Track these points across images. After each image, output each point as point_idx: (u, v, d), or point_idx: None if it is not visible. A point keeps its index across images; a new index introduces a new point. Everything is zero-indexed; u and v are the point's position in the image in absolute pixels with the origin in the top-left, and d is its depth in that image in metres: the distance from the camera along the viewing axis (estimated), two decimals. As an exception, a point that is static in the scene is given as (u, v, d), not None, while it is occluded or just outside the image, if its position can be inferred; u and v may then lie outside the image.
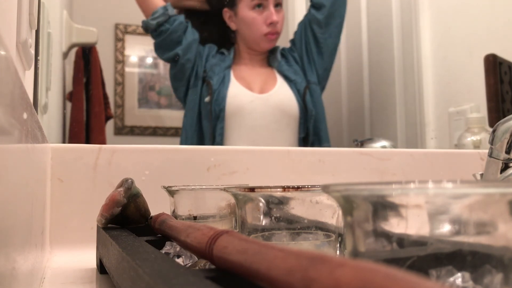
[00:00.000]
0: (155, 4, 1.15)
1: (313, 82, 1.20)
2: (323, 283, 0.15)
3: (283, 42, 1.27)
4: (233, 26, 1.22)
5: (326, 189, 0.21)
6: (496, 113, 1.05)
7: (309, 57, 1.22)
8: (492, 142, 0.52)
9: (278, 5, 1.18)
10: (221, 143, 1.09)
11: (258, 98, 1.15)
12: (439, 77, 1.32)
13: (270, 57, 1.21)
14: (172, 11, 1.15)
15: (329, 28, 1.23)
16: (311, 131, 1.15)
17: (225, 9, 1.22)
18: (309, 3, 1.25)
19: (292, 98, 1.16)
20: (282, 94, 1.16)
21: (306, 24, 1.22)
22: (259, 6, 1.16)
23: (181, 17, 1.16)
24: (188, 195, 0.47)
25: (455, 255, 0.17)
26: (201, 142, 1.12)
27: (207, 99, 1.12)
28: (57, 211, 0.66)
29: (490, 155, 0.52)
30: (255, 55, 1.20)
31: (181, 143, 1.17)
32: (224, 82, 1.13)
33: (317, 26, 1.21)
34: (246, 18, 1.17)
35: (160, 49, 1.17)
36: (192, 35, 1.16)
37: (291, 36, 1.33)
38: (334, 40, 1.25)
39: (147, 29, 1.16)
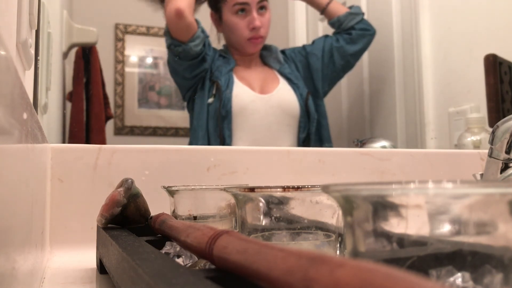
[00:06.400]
0: (195, 26, 1.10)
1: (316, 94, 1.22)
2: (323, 283, 0.15)
3: (282, 41, 1.27)
4: (219, 29, 1.22)
5: (326, 189, 0.21)
6: (496, 113, 1.04)
7: (322, 74, 1.24)
8: (492, 142, 0.52)
9: (262, 8, 1.18)
10: (230, 144, 1.09)
11: (260, 98, 1.15)
12: (439, 77, 1.32)
13: (265, 56, 1.21)
14: (205, 31, 1.13)
15: (348, 64, 1.28)
16: (312, 134, 1.16)
17: (211, 12, 1.22)
18: (340, 31, 1.28)
19: (294, 99, 1.16)
20: (284, 94, 1.17)
21: (334, 48, 1.25)
22: (242, 11, 1.16)
23: (205, 32, 1.14)
24: (188, 195, 0.47)
25: (455, 255, 0.17)
26: (210, 143, 1.12)
27: (210, 100, 1.12)
28: (57, 211, 0.66)
29: (490, 155, 0.52)
30: (245, 56, 1.20)
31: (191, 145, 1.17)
32: (229, 83, 1.13)
33: (341, 56, 1.24)
34: (229, 23, 1.17)
35: (189, 69, 1.14)
36: (210, 48, 1.16)
37: (290, 36, 1.33)
38: (342, 75, 1.30)
39: (184, 53, 1.11)
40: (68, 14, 1.32)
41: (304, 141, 1.15)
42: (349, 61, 1.28)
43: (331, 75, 1.25)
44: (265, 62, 1.22)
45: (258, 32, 1.16)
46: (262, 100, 1.15)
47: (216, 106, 1.11)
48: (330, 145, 1.21)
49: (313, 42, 1.30)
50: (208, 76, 1.15)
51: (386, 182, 0.18)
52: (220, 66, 1.16)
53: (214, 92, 1.12)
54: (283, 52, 1.25)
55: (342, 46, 1.25)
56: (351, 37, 1.25)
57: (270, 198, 0.32)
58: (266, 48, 1.22)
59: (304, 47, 1.28)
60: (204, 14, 1.25)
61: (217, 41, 1.26)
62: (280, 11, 1.28)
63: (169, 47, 1.13)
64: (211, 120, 1.11)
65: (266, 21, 1.18)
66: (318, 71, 1.23)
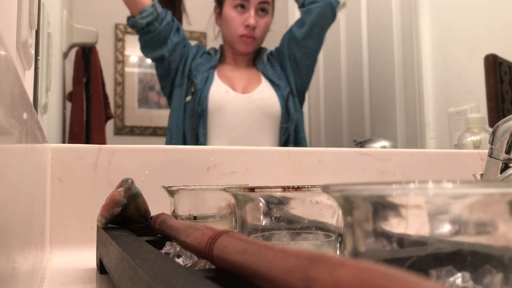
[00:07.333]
0: (143, 2, 1.13)
1: (294, 92, 1.20)
2: (323, 283, 0.15)
3: (276, 44, 1.26)
4: (218, 22, 1.22)
5: (326, 189, 0.21)
6: (496, 113, 1.05)
7: (292, 67, 1.21)
8: (492, 142, 0.52)
9: (263, 10, 1.16)
10: (204, 143, 1.08)
11: (240, 97, 1.14)
12: (439, 77, 1.32)
13: (256, 59, 1.21)
14: (160, 9, 1.13)
15: (305, 49, 1.19)
16: (292, 136, 1.15)
17: (215, 5, 1.22)
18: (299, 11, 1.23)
19: (275, 99, 1.15)
20: (265, 94, 1.15)
21: (288, 38, 1.21)
22: (242, 7, 1.15)
23: (169, 16, 1.14)
24: (188, 195, 0.47)
25: (455, 255, 0.17)
26: (185, 142, 1.12)
27: (188, 98, 1.12)
28: (57, 211, 0.66)
29: (490, 155, 0.52)
30: (238, 55, 1.19)
31: (167, 143, 1.17)
32: (207, 82, 1.13)
33: (295, 44, 1.19)
34: (227, 16, 1.17)
35: (146, 48, 1.16)
36: (178, 35, 1.16)
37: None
38: (310, 61, 1.22)
39: (134, 27, 1.14)
40: (68, 14, 1.32)
41: (285, 143, 1.14)
42: (306, 46, 1.18)
43: (300, 66, 1.19)
44: (254, 64, 1.21)
45: (251, 31, 1.14)
46: (241, 99, 1.13)
47: (193, 104, 1.11)
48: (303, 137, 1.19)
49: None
50: (187, 75, 1.15)
51: (386, 182, 0.18)
52: (200, 65, 1.16)
53: (192, 90, 1.12)
54: (271, 53, 1.23)
55: (294, 34, 1.18)
56: (300, 18, 1.19)
57: (270, 198, 0.32)
58: (260, 50, 1.21)
59: (276, 48, 1.25)
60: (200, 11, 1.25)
61: (213, 37, 1.26)
62: (280, 11, 1.28)
63: (126, 21, 1.17)
64: (188, 118, 1.11)
65: (263, 23, 1.16)
66: (288, 69, 1.20)
